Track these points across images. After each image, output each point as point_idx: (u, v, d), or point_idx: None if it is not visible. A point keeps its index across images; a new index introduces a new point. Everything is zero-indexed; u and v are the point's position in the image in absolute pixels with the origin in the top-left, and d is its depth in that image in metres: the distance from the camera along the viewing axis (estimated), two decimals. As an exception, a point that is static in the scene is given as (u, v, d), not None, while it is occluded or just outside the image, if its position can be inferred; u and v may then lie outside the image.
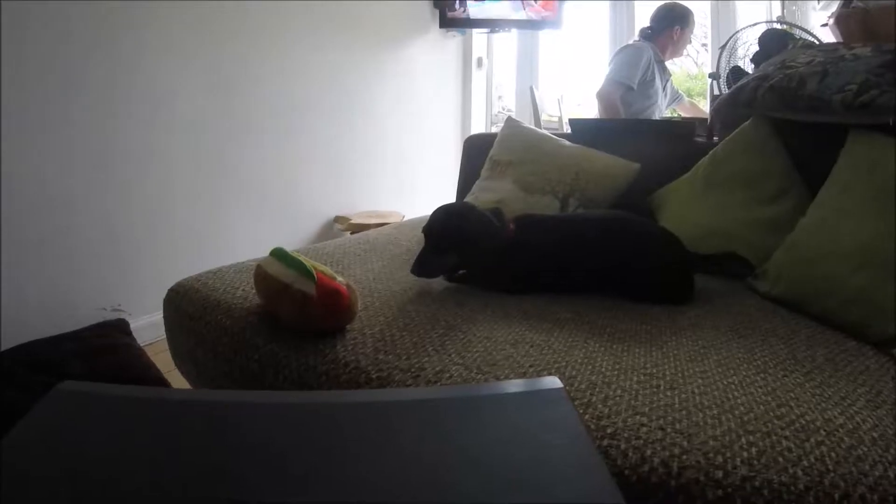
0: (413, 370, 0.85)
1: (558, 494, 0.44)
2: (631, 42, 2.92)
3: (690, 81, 4.28)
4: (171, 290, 1.34)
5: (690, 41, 2.96)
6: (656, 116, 2.73)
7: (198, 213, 2.38)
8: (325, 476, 0.46)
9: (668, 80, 2.84)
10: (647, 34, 2.82)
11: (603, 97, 2.64)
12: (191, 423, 0.56)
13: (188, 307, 1.24)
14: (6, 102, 1.78)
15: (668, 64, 2.90)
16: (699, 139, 1.87)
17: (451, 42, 3.48)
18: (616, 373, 0.82)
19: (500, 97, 3.93)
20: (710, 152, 1.59)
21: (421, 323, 1.01)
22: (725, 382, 0.83)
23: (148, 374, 1.75)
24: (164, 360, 1.90)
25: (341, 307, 0.97)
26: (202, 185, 2.38)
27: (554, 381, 0.59)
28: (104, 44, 1.99)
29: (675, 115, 3.03)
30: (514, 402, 0.55)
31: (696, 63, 4.22)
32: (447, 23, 3.30)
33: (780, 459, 0.65)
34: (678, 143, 1.81)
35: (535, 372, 0.81)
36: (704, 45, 4.14)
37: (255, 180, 2.56)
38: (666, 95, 2.83)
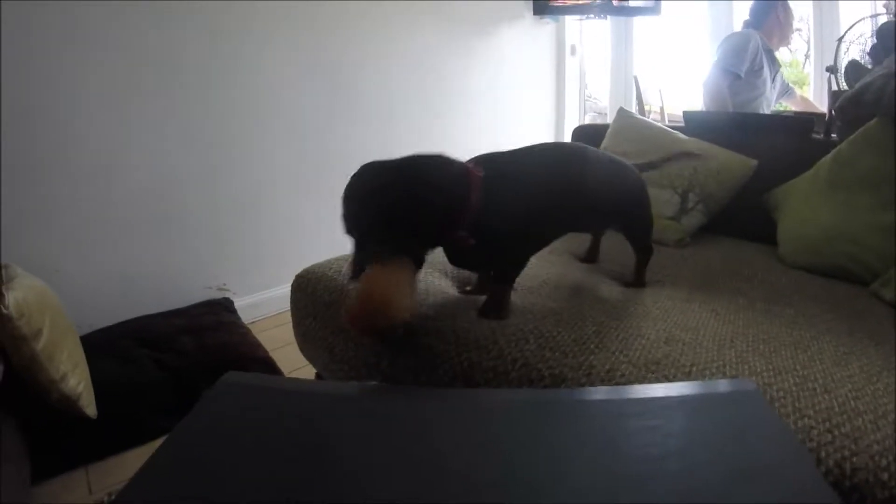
0: (583, 368, 0.90)
1: (782, 496, 0.51)
2: (738, 31, 2.81)
3: (784, 69, 4.09)
4: (299, 276, 1.36)
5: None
6: (764, 109, 2.65)
7: (299, 199, 2.47)
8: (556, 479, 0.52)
9: (777, 72, 2.75)
10: (750, 23, 2.72)
11: (709, 87, 2.57)
12: (357, 418, 0.61)
13: (323, 294, 1.26)
14: (123, 97, 1.90)
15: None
16: (816, 136, 1.85)
17: (545, 29, 3.46)
18: (771, 374, 0.88)
19: (586, 86, 3.89)
20: (834, 151, 1.58)
21: (571, 319, 1.05)
22: (872, 388, 0.87)
23: (256, 353, 1.86)
24: (266, 339, 2.03)
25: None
26: (303, 172, 2.46)
27: (748, 384, 0.66)
28: (210, 38, 2.08)
29: (785, 109, 2.93)
30: (720, 403, 0.63)
31: (789, 50, 4.02)
32: (541, 9, 3.28)
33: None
34: (795, 139, 1.80)
35: (697, 371, 0.88)
36: (799, 29, 3.95)
37: (355, 164, 2.58)
38: (775, 87, 2.73)
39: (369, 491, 0.50)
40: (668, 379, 0.85)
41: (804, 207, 1.57)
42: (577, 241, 1.51)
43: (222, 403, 0.64)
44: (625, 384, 0.85)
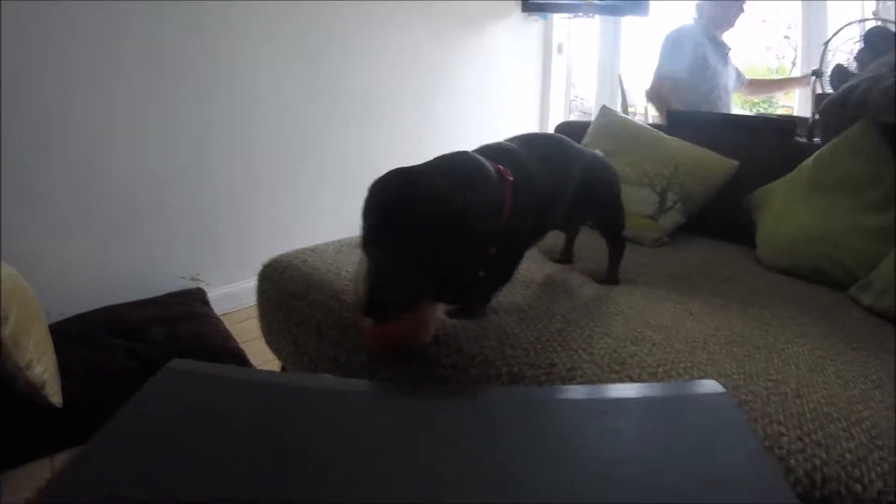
0: (544, 366, 0.86)
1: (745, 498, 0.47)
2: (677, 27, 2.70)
3: (771, 76, 4.08)
4: (267, 266, 1.31)
5: (744, 10, 2.65)
6: (723, 99, 2.60)
7: (279, 191, 2.43)
8: (498, 478, 0.48)
9: (725, 56, 2.65)
10: (694, 16, 2.64)
11: (651, 96, 2.56)
12: (297, 410, 0.57)
13: (289, 284, 1.22)
14: (101, 88, 1.86)
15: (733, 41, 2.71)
16: (800, 139, 1.83)
17: (533, 26, 3.43)
18: (742, 377, 0.84)
19: (573, 85, 3.87)
20: (816, 154, 1.56)
21: (537, 317, 1.01)
22: (847, 395, 0.84)
23: (226, 344, 1.81)
24: (238, 331, 1.98)
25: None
26: (285, 164, 2.43)
27: (715, 386, 0.61)
28: (191, 31, 2.04)
29: (768, 112, 2.88)
30: (685, 405, 0.58)
31: (777, 56, 4.01)
32: (529, 7, 3.25)
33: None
34: (777, 141, 1.77)
35: (663, 372, 0.83)
36: (787, 36, 3.95)
37: (337, 160, 2.59)
38: (729, 74, 2.66)
39: (313, 482, 0.46)
40: (631, 379, 0.81)
41: (784, 209, 1.54)
42: (551, 240, 1.46)
43: (165, 391, 0.61)
44: (587, 383, 0.80)
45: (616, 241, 1.28)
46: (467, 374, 0.90)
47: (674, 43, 2.57)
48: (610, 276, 1.27)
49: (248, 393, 0.61)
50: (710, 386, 0.62)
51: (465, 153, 0.88)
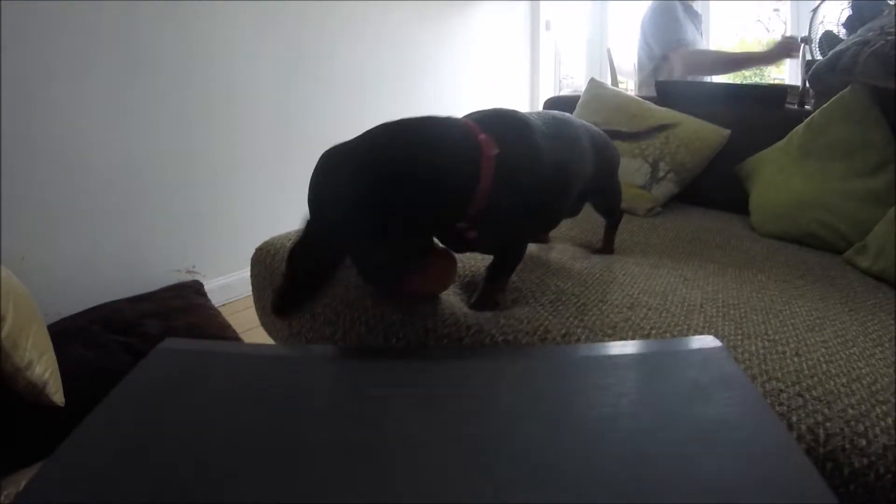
0: (539, 332, 0.84)
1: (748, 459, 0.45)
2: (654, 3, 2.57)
3: (762, 49, 4.03)
4: (259, 249, 1.30)
5: None
6: None
7: (269, 178, 2.41)
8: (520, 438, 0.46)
9: (700, 24, 2.60)
10: None
11: (684, 65, 2.37)
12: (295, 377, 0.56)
13: (282, 266, 1.16)
14: (86, 80, 1.82)
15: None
16: (790, 106, 1.81)
17: (520, 4, 3.39)
18: (740, 338, 0.83)
19: (561, 63, 3.83)
20: (807, 120, 1.54)
21: (530, 290, 0.99)
22: (847, 353, 0.82)
23: (225, 334, 1.80)
24: (237, 321, 1.97)
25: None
26: (272, 151, 2.40)
27: (712, 341, 0.60)
28: (173, 19, 2.01)
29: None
30: (680, 360, 0.56)
31: (767, 29, 3.98)
32: (516, -16, 3.22)
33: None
34: (768, 108, 1.76)
35: (657, 335, 0.82)
36: (776, 10, 3.92)
37: (324, 142, 2.52)
38: (706, 43, 2.63)
39: (314, 455, 0.44)
40: (622, 341, 0.79)
41: (777, 176, 1.52)
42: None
43: (158, 370, 0.59)
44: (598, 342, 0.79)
45: (614, 215, 1.25)
46: (461, 345, 0.88)
47: (667, 10, 2.47)
48: (606, 246, 1.25)
49: (240, 366, 0.59)
50: (707, 341, 0.60)
51: (439, 121, 0.77)
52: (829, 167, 1.44)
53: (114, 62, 1.89)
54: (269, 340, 1.37)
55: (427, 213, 0.73)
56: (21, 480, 1.32)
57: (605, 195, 1.21)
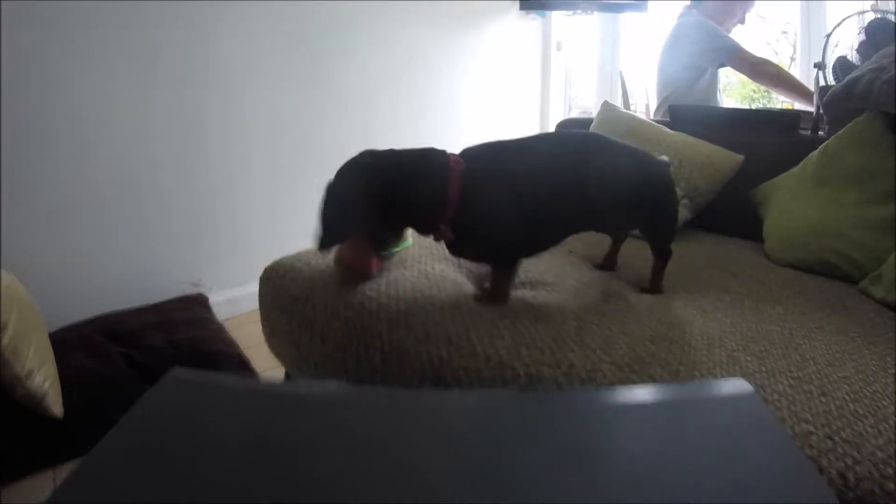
0: (562, 367, 0.84)
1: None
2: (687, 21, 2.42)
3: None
4: (268, 269, 1.29)
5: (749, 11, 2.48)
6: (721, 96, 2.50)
7: (277, 189, 2.40)
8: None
9: None
10: (693, 5, 2.41)
11: (752, 69, 2.24)
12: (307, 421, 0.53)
13: (291, 287, 1.19)
14: (93, 87, 1.82)
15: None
16: (803, 132, 1.81)
17: (531, 24, 3.40)
18: (764, 375, 0.83)
19: (571, 84, 3.84)
20: (821, 146, 1.54)
21: (551, 314, 0.99)
22: (871, 391, 0.82)
23: (228, 350, 1.79)
24: (241, 336, 1.96)
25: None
26: (282, 164, 2.39)
27: (743, 384, 0.59)
28: (183, 24, 2.01)
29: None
30: (714, 406, 0.56)
31: (775, 52, 3.98)
32: (528, 4, 3.22)
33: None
34: (781, 134, 1.76)
35: (686, 371, 0.81)
36: (785, 32, 3.91)
37: (335, 156, 2.52)
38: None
39: (314, 495, 0.43)
40: (653, 379, 0.79)
41: (791, 203, 1.52)
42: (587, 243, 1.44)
43: (165, 402, 0.56)
44: (607, 384, 0.78)
45: (663, 250, 1.19)
46: (480, 378, 0.87)
47: (705, 25, 2.33)
48: (653, 286, 1.20)
49: (250, 403, 0.56)
50: (739, 385, 0.60)
51: (418, 148, 1.02)
52: (844, 195, 1.44)
53: (124, 69, 1.89)
54: (275, 361, 1.37)
55: (401, 210, 0.99)
56: (22, 493, 1.31)
57: (647, 227, 1.19)
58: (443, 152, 1.00)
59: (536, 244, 1.06)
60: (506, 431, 0.53)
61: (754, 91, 3.49)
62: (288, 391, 0.63)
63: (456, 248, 1.05)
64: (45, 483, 1.35)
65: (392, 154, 0.99)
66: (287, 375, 1.38)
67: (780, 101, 2.90)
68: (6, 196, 1.69)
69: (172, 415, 0.54)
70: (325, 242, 0.94)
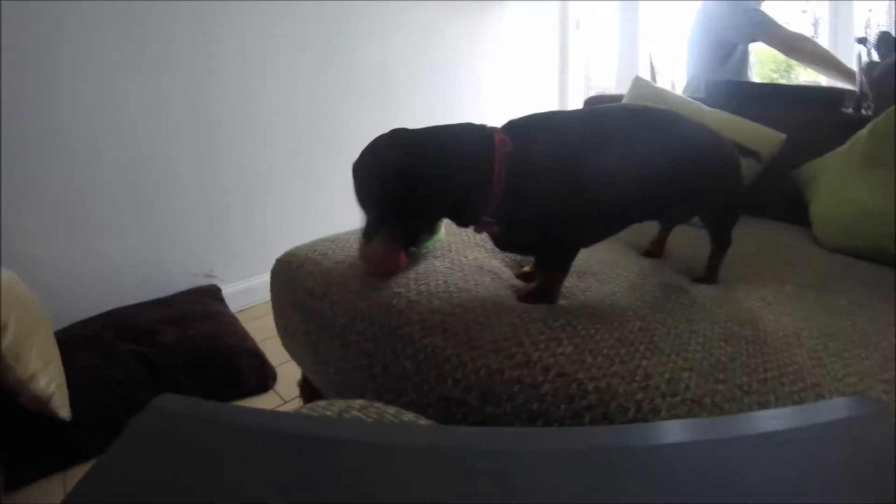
0: (637, 378, 0.72)
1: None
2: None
3: (798, 69, 3.78)
4: (280, 261, 1.17)
5: None
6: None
7: (292, 178, 2.33)
8: None
9: None
10: None
11: (784, 44, 2.06)
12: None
13: (306, 281, 1.06)
14: (103, 77, 1.76)
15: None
16: (846, 110, 1.73)
17: (550, 2, 3.32)
18: (856, 380, 0.76)
19: (590, 63, 3.74)
20: (870, 125, 1.46)
21: (609, 312, 0.89)
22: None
23: (244, 345, 1.74)
24: (256, 328, 1.91)
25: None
26: (297, 151, 2.33)
27: (869, 403, 0.53)
28: (196, 16, 1.94)
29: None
30: (841, 433, 0.49)
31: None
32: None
33: None
34: (824, 112, 1.68)
35: (774, 378, 0.75)
36: (804, 11, 3.77)
37: (354, 143, 2.43)
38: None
39: None
40: (741, 389, 0.72)
41: (839, 185, 1.45)
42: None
43: (147, 438, 0.47)
44: (692, 399, 0.70)
45: (718, 238, 1.11)
46: (539, 393, 0.73)
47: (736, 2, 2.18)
48: (708, 275, 1.13)
49: (245, 442, 0.45)
50: (862, 404, 0.53)
51: (458, 125, 0.88)
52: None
53: (137, 62, 1.83)
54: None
55: (438, 200, 0.84)
56: (31, 498, 1.27)
57: (713, 213, 1.09)
58: (485, 127, 0.86)
59: (593, 236, 0.96)
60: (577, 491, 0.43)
61: (773, 71, 3.37)
62: (292, 429, 0.47)
63: (503, 242, 0.93)
64: (55, 488, 1.30)
65: (428, 134, 0.84)
66: (303, 378, 1.30)
67: (801, 80, 2.79)
68: (15, 190, 1.62)
69: (153, 456, 0.45)
70: (370, 229, 0.84)
